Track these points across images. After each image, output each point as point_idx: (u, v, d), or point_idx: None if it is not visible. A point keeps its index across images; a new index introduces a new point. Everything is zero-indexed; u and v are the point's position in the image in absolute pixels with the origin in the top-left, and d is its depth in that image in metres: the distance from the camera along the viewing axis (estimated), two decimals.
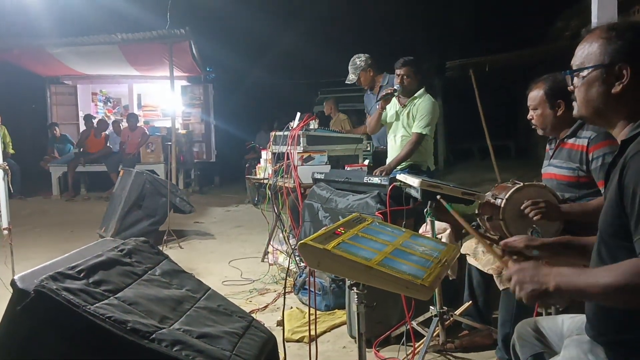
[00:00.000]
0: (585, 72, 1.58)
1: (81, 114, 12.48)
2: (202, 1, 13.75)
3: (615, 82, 1.53)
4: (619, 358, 1.53)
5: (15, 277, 1.85)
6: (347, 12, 16.14)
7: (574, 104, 1.67)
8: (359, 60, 5.28)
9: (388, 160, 4.63)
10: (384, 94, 4.45)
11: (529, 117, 2.95)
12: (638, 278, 1.29)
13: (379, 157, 5.45)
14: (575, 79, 1.63)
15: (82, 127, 12.13)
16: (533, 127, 2.96)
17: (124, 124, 11.55)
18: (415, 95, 4.47)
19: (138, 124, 11.36)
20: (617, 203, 1.44)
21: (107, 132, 11.47)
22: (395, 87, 4.45)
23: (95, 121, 11.62)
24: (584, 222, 2.59)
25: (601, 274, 1.37)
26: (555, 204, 2.59)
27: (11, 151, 10.50)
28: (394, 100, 4.56)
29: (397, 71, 4.48)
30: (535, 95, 2.87)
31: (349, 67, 5.32)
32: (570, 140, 2.81)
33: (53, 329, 1.75)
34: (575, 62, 1.62)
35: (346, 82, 5.43)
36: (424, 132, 4.38)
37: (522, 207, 2.56)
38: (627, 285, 1.30)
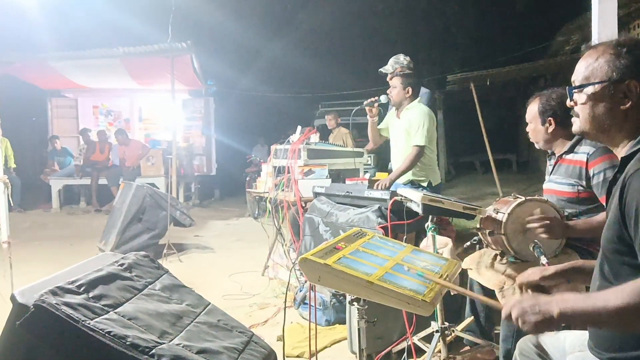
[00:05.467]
0: (590, 88, 1.55)
1: (82, 127, 12.46)
2: (204, 15, 13.85)
3: (624, 99, 1.50)
4: None
5: (15, 292, 1.85)
6: (349, 26, 16.27)
7: (574, 119, 1.64)
8: (403, 58, 5.26)
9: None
10: (368, 101, 4.53)
11: (527, 129, 2.98)
12: None
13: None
14: (576, 95, 1.60)
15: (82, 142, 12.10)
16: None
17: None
18: (408, 106, 4.46)
19: (130, 137, 11.29)
20: (619, 221, 1.42)
21: (109, 142, 11.47)
22: (376, 98, 4.51)
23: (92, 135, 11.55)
24: (588, 238, 2.58)
25: (609, 297, 1.31)
26: (560, 222, 2.57)
27: (13, 165, 10.48)
28: (392, 112, 4.61)
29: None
30: (530, 109, 2.90)
31: (391, 59, 5.25)
32: (569, 156, 2.81)
33: (52, 343, 1.74)
34: (577, 77, 1.60)
35: (380, 69, 5.37)
36: (421, 144, 4.33)
37: (527, 219, 2.54)
38: (637, 306, 1.26)
